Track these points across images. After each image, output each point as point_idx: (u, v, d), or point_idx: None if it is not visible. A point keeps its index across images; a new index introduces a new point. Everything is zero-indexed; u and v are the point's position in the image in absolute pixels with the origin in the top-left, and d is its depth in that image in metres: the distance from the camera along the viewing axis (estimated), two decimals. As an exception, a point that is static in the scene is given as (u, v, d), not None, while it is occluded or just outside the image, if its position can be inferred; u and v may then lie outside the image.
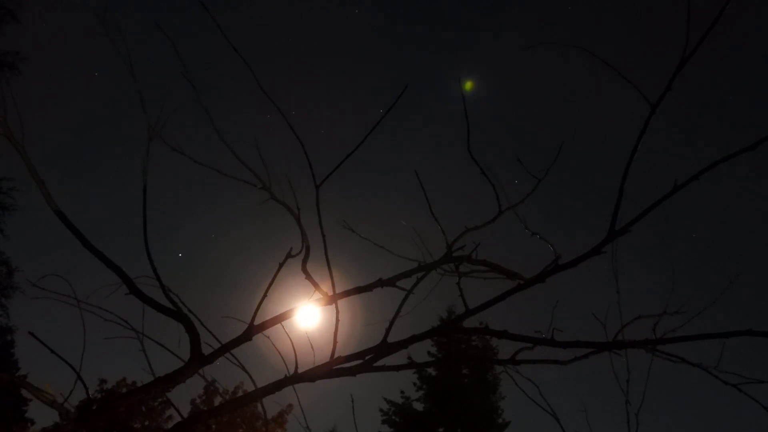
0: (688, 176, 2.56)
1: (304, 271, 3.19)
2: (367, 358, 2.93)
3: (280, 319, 3.06)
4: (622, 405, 2.77)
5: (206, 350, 3.00)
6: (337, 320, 3.03)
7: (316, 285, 3.14)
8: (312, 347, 3.04)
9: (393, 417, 23.85)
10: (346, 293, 3.10)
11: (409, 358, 5.73)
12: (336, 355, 2.94)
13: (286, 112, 3.04)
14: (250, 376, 3.15)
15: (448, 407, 23.01)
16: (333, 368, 2.93)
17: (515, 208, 3.14)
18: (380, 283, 3.10)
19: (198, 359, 2.96)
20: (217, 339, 3.06)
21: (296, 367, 2.94)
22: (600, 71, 2.67)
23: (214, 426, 18.18)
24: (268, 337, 3.09)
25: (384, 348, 2.92)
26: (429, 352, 22.70)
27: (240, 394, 8.54)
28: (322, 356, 2.97)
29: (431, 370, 23.94)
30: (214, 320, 3.14)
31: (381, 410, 23.95)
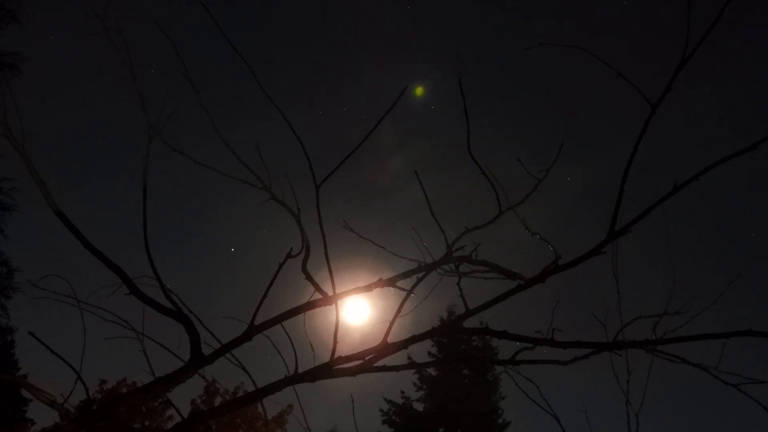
0: (688, 176, 2.56)
1: (304, 271, 3.19)
2: (367, 358, 2.93)
3: (280, 319, 3.06)
4: (622, 405, 2.77)
5: (206, 350, 3.00)
6: (337, 320, 3.03)
7: (316, 285, 3.14)
8: (312, 347, 3.04)
9: (393, 417, 23.87)
10: (346, 293, 3.10)
11: (409, 358, 5.75)
12: (336, 355, 2.94)
13: (286, 112, 3.04)
14: (250, 376, 3.15)
15: (448, 407, 23.01)
16: (333, 368, 2.93)
17: (515, 208, 3.13)
18: (380, 283, 3.10)
19: (198, 359, 2.96)
20: (217, 339, 3.06)
21: (296, 367, 2.94)
22: (600, 71, 2.67)
23: (214, 426, 18.17)
24: (268, 337, 3.10)
25: (384, 348, 2.92)
26: (429, 352, 22.75)
27: (240, 394, 8.54)
28: (322, 356, 2.97)
29: (431, 371, 23.95)
30: (214, 320, 3.14)
31: (381, 410, 23.99)
